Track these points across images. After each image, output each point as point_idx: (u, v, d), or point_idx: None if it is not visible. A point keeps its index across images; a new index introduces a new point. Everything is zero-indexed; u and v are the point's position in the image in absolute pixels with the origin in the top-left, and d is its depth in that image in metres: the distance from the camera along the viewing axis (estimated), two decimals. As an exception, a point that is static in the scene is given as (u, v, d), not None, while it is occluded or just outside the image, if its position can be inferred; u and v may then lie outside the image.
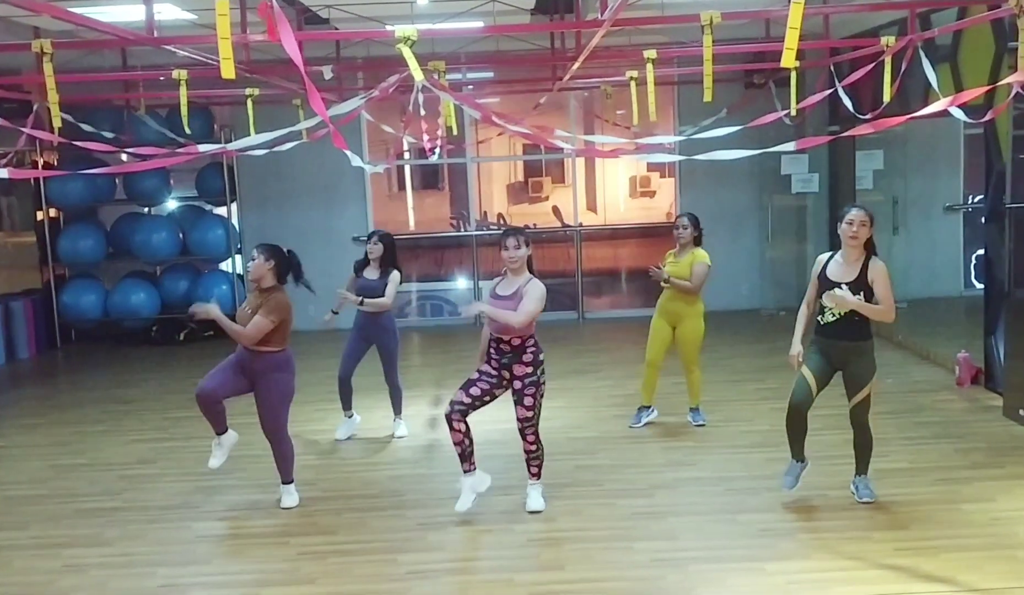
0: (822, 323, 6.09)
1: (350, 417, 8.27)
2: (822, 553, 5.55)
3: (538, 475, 6.41)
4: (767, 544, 5.71)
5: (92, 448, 8.37)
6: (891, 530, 5.82)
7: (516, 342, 6.08)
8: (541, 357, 6.17)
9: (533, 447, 6.28)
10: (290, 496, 6.67)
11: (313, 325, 12.69)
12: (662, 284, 7.96)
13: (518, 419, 6.18)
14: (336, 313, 8.21)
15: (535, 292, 6.08)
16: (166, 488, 7.15)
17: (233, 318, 6.51)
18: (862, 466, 6.30)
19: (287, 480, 6.69)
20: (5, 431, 9.28)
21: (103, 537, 6.29)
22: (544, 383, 6.20)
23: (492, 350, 6.16)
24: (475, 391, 6.13)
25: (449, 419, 6.12)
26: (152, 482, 7.32)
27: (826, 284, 6.02)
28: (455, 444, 6.21)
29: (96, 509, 6.81)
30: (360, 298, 7.87)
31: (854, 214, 5.98)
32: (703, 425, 8.13)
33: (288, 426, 6.64)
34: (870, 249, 6.02)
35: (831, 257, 6.14)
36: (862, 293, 5.93)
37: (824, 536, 5.80)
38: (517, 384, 6.13)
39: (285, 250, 6.67)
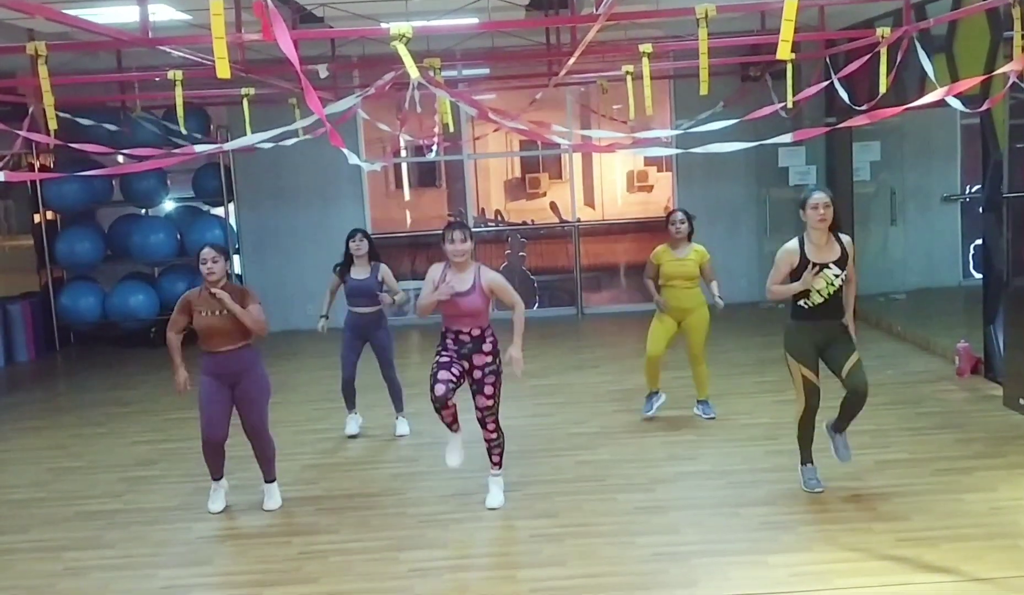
0: (808, 307, 6.10)
1: (354, 415, 8.26)
2: (824, 545, 5.55)
3: (499, 464, 6.47)
4: (769, 537, 5.72)
5: (92, 450, 8.36)
6: (892, 521, 5.82)
7: (476, 332, 6.16)
8: (498, 346, 6.24)
9: (494, 435, 6.36)
10: (274, 498, 6.66)
11: (311, 324, 12.72)
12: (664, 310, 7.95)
13: (478, 408, 6.25)
14: (327, 318, 8.17)
15: (500, 278, 6.31)
16: (166, 490, 7.15)
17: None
18: (845, 422, 6.29)
19: (271, 478, 6.69)
20: (5, 434, 9.27)
21: (104, 539, 6.29)
22: (502, 371, 6.24)
23: (450, 341, 6.21)
24: (456, 370, 6.16)
25: (444, 399, 6.11)
26: (152, 484, 7.32)
27: (811, 266, 6.02)
28: (451, 419, 6.30)
29: (96, 511, 6.81)
30: (393, 299, 7.91)
31: (818, 197, 6.01)
32: (713, 418, 8.11)
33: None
34: (836, 227, 6.09)
35: (800, 244, 6.12)
36: (844, 267, 6.05)
37: (825, 528, 5.80)
38: (477, 374, 6.18)
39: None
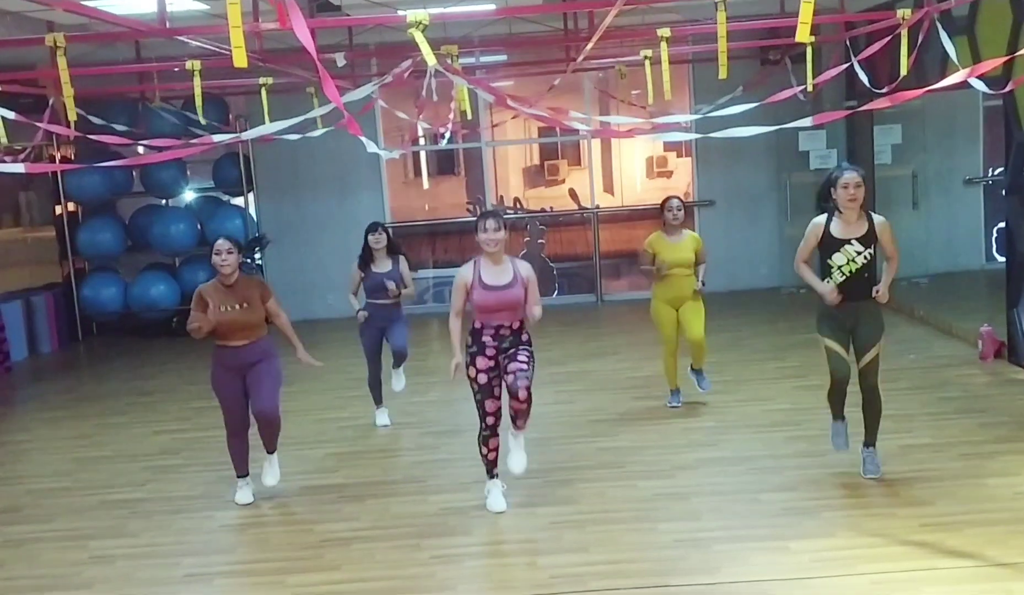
0: (831, 285, 6.04)
1: (383, 408, 8.28)
2: (846, 530, 5.53)
3: (524, 427, 6.09)
4: (790, 522, 5.69)
5: (115, 440, 8.42)
6: (915, 506, 5.79)
7: (516, 325, 6.01)
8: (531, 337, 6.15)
9: (524, 405, 5.89)
10: (275, 470, 6.67)
11: (330, 313, 12.77)
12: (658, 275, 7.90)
13: (511, 372, 5.85)
14: (364, 310, 8.11)
15: (531, 271, 6.06)
16: (189, 478, 7.19)
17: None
18: (871, 434, 6.25)
19: (273, 449, 6.65)
20: (29, 425, 9.35)
21: (128, 528, 6.33)
22: (535, 357, 6.10)
23: (489, 338, 5.97)
24: (498, 392, 6.02)
25: (494, 429, 6.05)
26: (175, 473, 7.36)
27: (833, 243, 5.97)
28: (494, 453, 6.15)
29: (120, 500, 6.85)
30: (399, 291, 7.89)
31: (849, 177, 5.92)
32: (708, 390, 8.09)
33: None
34: (866, 206, 6.02)
35: (828, 220, 6.07)
36: (872, 246, 5.96)
37: (848, 513, 5.77)
38: (512, 351, 5.96)
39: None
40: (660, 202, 8.01)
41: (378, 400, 8.27)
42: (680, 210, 7.85)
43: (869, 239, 5.96)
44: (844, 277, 5.98)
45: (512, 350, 5.98)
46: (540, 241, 15.13)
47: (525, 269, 6.05)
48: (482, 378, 5.98)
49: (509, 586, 5.19)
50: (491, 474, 6.24)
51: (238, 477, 6.66)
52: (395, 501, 6.49)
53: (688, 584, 5.02)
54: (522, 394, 5.81)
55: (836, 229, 6.00)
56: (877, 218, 6.05)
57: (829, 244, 6.00)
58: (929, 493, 5.98)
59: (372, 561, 5.57)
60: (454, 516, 6.15)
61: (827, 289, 6.01)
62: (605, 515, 5.99)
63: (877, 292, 5.96)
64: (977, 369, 8.84)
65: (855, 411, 6.26)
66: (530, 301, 5.97)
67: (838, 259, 5.97)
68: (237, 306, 6.30)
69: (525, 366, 5.92)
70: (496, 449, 6.14)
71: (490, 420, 6.04)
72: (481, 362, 5.98)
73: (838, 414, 6.34)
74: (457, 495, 6.51)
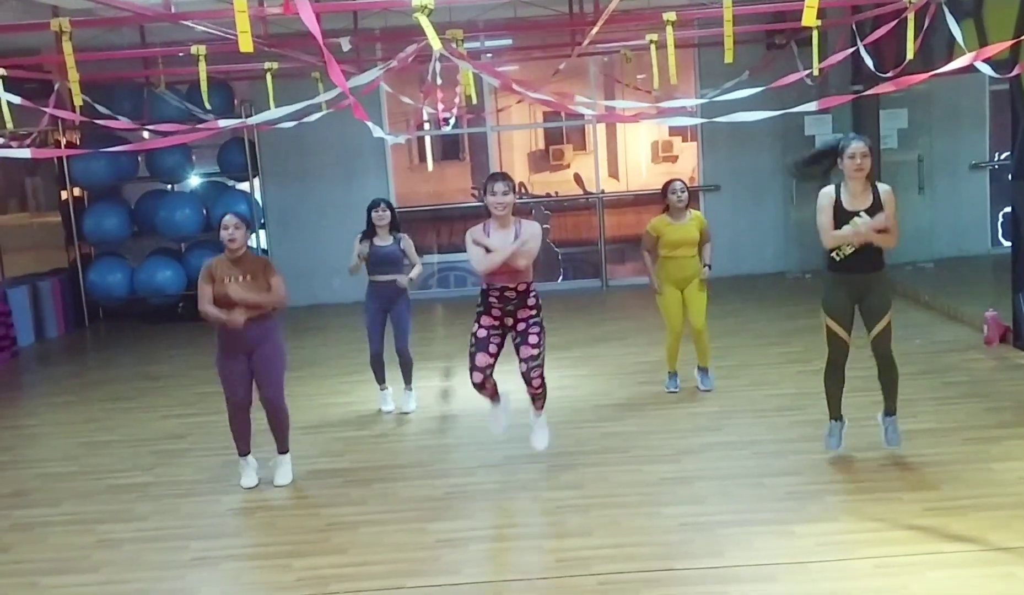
0: (838, 259, 6.03)
1: (386, 389, 8.28)
2: (850, 515, 5.54)
3: (543, 408, 6.37)
4: (795, 507, 5.71)
5: (122, 424, 8.45)
6: (920, 490, 5.80)
7: (521, 288, 6.05)
8: (540, 301, 6.18)
9: (540, 391, 6.22)
10: (285, 471, 6.66)
11: (336, 297, 12.80)
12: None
13: (523, 359, 6.07)
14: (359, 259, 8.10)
15: (535, 229, 6.05)
16: (196, 463, 7.22)
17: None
18: (891, 401, 6.25)
19: (285, 449, 6.69)
20: (36, 410, 9.40)
21: (135, 512, 6.36)
22: (545, 328, 6.19)
23: (494, 299, 6.06)
24: (493, 348, 6.13)
25: (483, 384, 6.15)
26: (182, 457, 7.39)
27: (843, 215, 5.96)
28: (491, 393, 6.30)
29: (128, 485, 6.88)
30: (411, 279, 7.91)
31: (855, 147, 5.89)
32: (711, 390, 8.08)
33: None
34: (872, 177, 6.01)
35: (836, 190, 6.04)
36: (880, 217, 5.93)
37: (852, 498, 5.78)
38: (520, 326, 6.08)
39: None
40: (662, 185, 7.98)
41: (381, 379, 8.21)
42: (684, 192, 7.82)
43: (876, 209, 5.93)
44: (852, 250, 5.98)
45: (522, 324, 6.08)
46: (545, 226, 15.12)
47: (528, 229, 6.04)
48: (481, 333, 6.12)
49: (515, 569, 5.22)
50: (495, 403, 6.45)
51: (240, 456, 6.67)
52: (401, 485, 6.51)
53: (693, 568, 5.04)
54: (536, 383, 6.13)
55: (845, 200, 5.97)
56: (882, 187, 6.03)
57: (839, 216, 5.97)
58: (933, 477, 5.99)
59: (378, 545, 5.59)
60: (460, 500, 6.17)
61: (856, 226, 5.88)
62: (610, 499, 6.01)
63: (860, 216, 5.88)
64: (982, 354, 8.84)
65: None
66: (515, 247, 5.94)
67: (844, 230, 5.95)
68: (241, 278, 6.31)
69: (537, 352, 6.06)
70: (493, 391, 6.32)
71: (477, 376, 6.12)
72: (485, 320, 6.14)
73: (835, 413, 6.36)
74: (463, 479, 6.53)
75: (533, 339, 6.08)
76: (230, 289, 6.23)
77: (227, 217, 6.38)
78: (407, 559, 5.38)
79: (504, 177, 6.08)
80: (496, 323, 6.13)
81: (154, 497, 6.60)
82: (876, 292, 6.07)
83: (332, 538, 5.72)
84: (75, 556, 5.72)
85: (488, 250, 5.98)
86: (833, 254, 6.06)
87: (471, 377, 6.15)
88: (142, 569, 5.49)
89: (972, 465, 6.14)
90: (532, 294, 6.12)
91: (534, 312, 6.13)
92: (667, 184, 7.93)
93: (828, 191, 6.08)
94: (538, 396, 6.28)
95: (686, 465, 6.52)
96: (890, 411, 6.28)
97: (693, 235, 7.82)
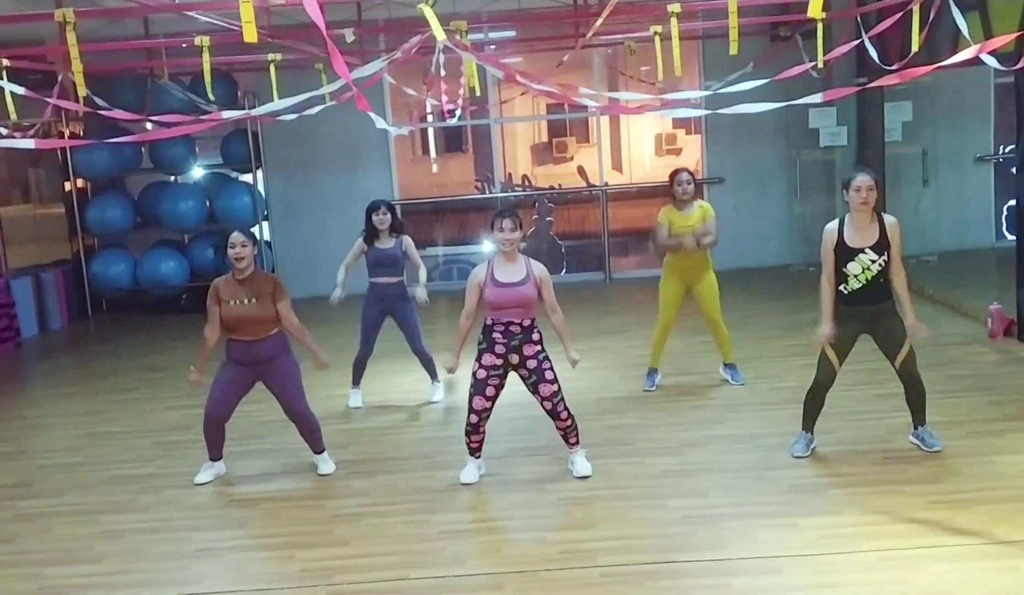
0: (847, 292, 6.03)
1: (358, 389, 8.28)
2: (853, 507, 5.54)
3: (578, 443, 6.37)
4: (798, 499, 5.71)
5: (126, 416, 8.46)
6: (923, 483, 5.79)
7: (527, 323, 6.06)
8: (543, 334, 6.19)
9: (568, 422, 6.23)
10: (327, 463, 6.67)
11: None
12: (695, 246, 7.81)
13: (545, 398, 6.10)
14: (343, 288, 8.09)
15: (548, 273, 6.16)
16: (200, 454, 7.19)
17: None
18: (920, 416, 6.31)
19: (320, 450, 6.70)
20: (40, 401, 9.41)
21: (139, 503, 6.38)
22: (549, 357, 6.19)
23: (499, 335, 6.03)
24: (491, 391, 6.11)
25: (476, 427, 6.16)
26: (186, 448, 7.39)
27: (847, 252, 5.95)
28: (477, 446, 6.29)
29: (131, 476, 6.90)
30: (424, 297, 7.95)
31: (860, 180, 5.91)
32: (744, 384, 8.07)
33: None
34: (878, 209, 6.01)
35: (840, 224, 6.05)
36: (885, 253, 5.93)
37: (855, 490, 5.78)
38: (531, 363, 6.07)
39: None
40: (669, 175, 7.95)
41: (357, 381, 8.23)
42: (690, 183, 7.80)
43: (882, 246, 5.93)
44: (860, 285, 5.97)
45: (532, 362, 6.07)
46: (548, 219, 15.12)
47: (539, 269, 6.11)
48: (481, 374, 6.08)
49: (518, 561, 5.21)
50: (473, 455, 6.36)
51: (211, 460, 6.68)
52: (404, 477, 6.52)
53: (696, 560, 5.04)
54: (563, 415, 6.17)
55: (849, 237, 5.97)
56: (888, 219, 6.00)
57: (843, 253, 5.98)
58: (937, 471, 5.99)
59: (382, 536, 5.60)
60: (463, 492, 6.17)
61: (824, 333, 6.08)
62: (614, 492, 6.01)
63: (917, 330, 6.02)
64: (986, 347, 8.83)
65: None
66: (547, 301, 6.08)
67: (853, 268, 5.96)
68: (246, 301, 6.25)
69: (556, 387, 6.12)
70: (479, 442, 6.29)
71: (474, 418, 6.14)
72: (487, 359, 6.08)
73: (809, 427, 6.41)
74: (466, 471, 6.53)
75: (549, 375, 6.10)
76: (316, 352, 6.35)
77: (234, 234, 6.33)
78: (410, 550, 5.39)
79: (512, 214, 6.14)
80: (499, 363, 6.07)
81: (157, 488, 6.61)
82: (888, 322, 6.07)
83: (336, 530, 5.73)
84: (78, 547, 5.73)
85: (496, 283, 6.01)
86: (842, 288, 6.05)
87: (469, 418, 6.16)
88: (145, 560, 5.50)
89: (976, 458, 6.14)
90: (537, 330, 6.13)
91: (539, 347, 6.12)
92: (673, 174, 7.91)
93: (831, 227, 6.08)
94: (569, 430, 6.27)
95: (689, 458, 6.53)
96: (921, 423, 6.32)
97: (699, 226, 7.80)
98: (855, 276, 5.97)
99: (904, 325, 6.07)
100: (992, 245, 13.50)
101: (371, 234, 7.94)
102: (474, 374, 6.13)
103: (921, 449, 6.27)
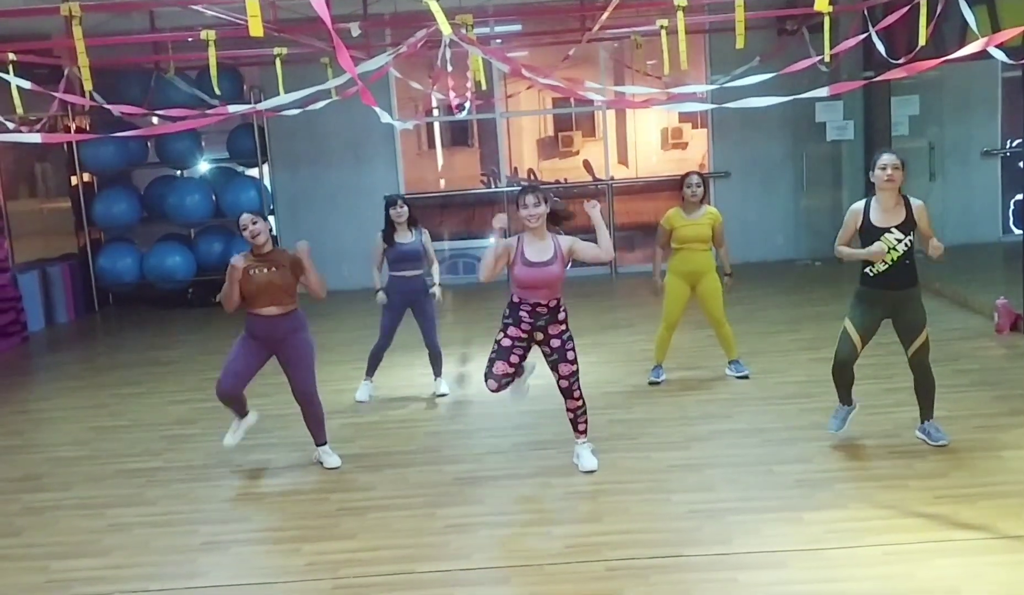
0: (873, 274, 6.02)
1: (369, 382, 8.28)
2: (859, 502, 5.53)
3: (585, 432, 6.37)
4: (804, 494, 5.70)
5: (132, 410, 8.48)
6: (929, 478, 5.79)
7: (553, 303, 6.05)
8: (568, 314, 6.19)
9: (580, 403, 6.24)
10: (331, 457, 6.68)
11: (346, 284, 12.80)
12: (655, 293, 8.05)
13: (563, 376, 6.12)
14: (383, 290, 8.08)
15: (574, 241, 6.10)
16: (206, 448, 7.24)
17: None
18: (928, 411, 6.29)
19: (323, 442, 6.71)
20: (47, 394, 9.43)
21: (145, 496, 6.39)
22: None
23: (525, 314, 6.03)
24: (514, 359, 6.11)
25: (496, 391, 6.15)
26: (192, 442, 7.41)
27: (873, 232, 5.95)
28: (502, 374, 6.17)
29: (138, 469, 6.91)
30: (439, 296, 8.01)
31: (887, 159, 5.93)
32: (747, 376, 8.08)
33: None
34: (902, 191, 5.99)
35: (867, 205, 6.06)
36: (912, 233, 5.93)
37: (861, 485, 5.77)
38: (555, 342, 6.08)
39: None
40: (680, 176, 7.99)
41: (371, 371, 8.22)
42: (699, 186, 7.82)
43: (908, 225, 5.93)
44: (886, 265, 5.96)
45: (556, 340, 6.07)
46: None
47: (565, 243, 6.08)
48: (506, 342, 6.10)
49: (524, 555, 5.22)
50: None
51: (238, 417, 6.70)
52: (411, 471, 6.53)
53: (702, 554, 5.04)
54: (577, 394, 6.20)
55: (875, 216, 5.97)
56: (915, 202, 6.02)
57: (869, 232, 5.98)
58: (943, 465, 5.98)
59: (388, 530, 5.61)
60: (469, 486, 6.18)
61: (877, 248, 5.93)
62: (619, 486, 6.01)
63: (890, 233, 5.92)
64: (992, 342, 8.82)
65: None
66: (590, 255, 6.09)
67: (878, 247, 5.94)
68: (266, 269, 6.29)
69: (576, 368, 6.14)
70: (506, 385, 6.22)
71: (493, 384, 6.11)
72: (512, 331, 6.09)
73: (845, 397, 6.36)
74: (472, 465, 6.54)
75: (571, 355, 6.12)
76: (301, 249, 6.27)
77: (243, 217, 6.36)
78: (417, 544, 5.39)
79: (534, 189, 6.12)
80: (524, 336, 6.09)
81: (164, 482, 6.62)
82: (910, 308, 6.06)
83: (342, 523, 5.74)
84: (85, 540, 5.74)
85: (525, 263, 5.97)
86: (867, 269, 6.04)
87: (487, 383, 6.13)
88: (152, 553, 5.52)
89: (982, 453, 6.13)
90: (563, 309, 6.12)
91: (564, 326, 6.12)
92: (684, 176, 7.94)
93: (857, 207, 6.10)
94: (579, 413, 6.27)
95: (695, 452, 6.52)
96: (928, 417, 6.31)
97: (705, 233, 7.82)
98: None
99: (923, 315, 6.07)
100: (999, 239, 13.47)
101: (389, 229, 7.94)
102: (498, 342, 6.11)
103: (927, 443, 6.26)
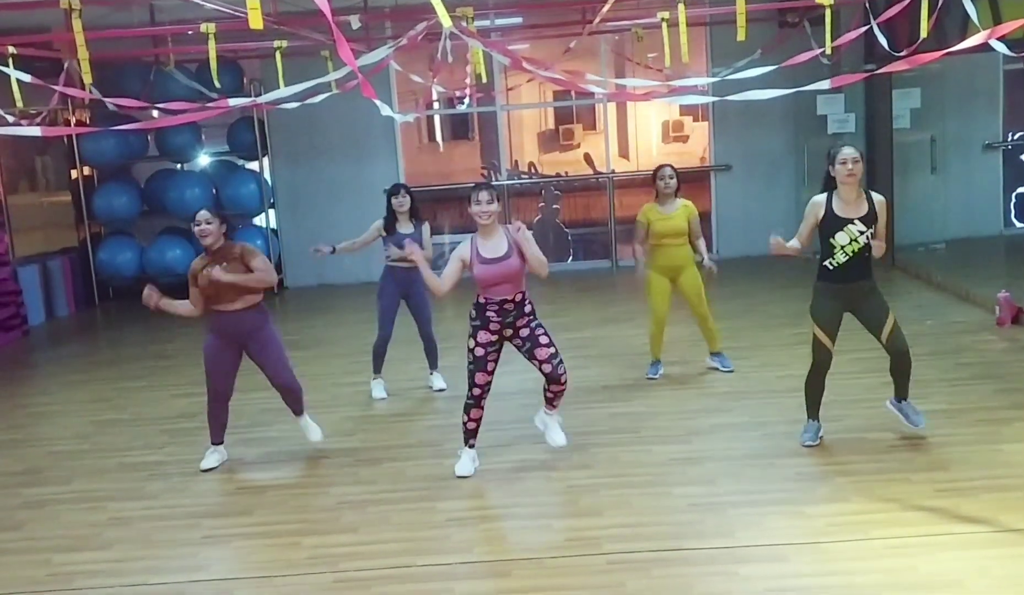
0: (832, 267, 6.04)
1: (379, 379, 8.24)
2: (861, 495, 5.53)
3: (558, 407, 6.30)
4: (805, 487, 5.70)
5: (133, 403, 8.48)
6: (930, 471, 5.78)
7: (518, 297, 5.99)
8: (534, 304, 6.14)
9: (563, 385, 6.11)
10: (312, 429, 6.76)
11: (346, 278, 12.80)
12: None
13: (543, 361, 5.99)
14: (334, 251, 8.15)
15: (525, 232, 5.93)
16: (206, 441, 7.20)
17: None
18: (903, 389, 6.26)
19: (299, 411, 6.75)
20: (48, 388, 9.43)
21: (146, 490, 6.39)
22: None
23: (493, 313, 5.96)
24: (491, 366, 6.06)
25: (479, 400, 6.08)
26: (193, 436, 7.40)
27: (836, 222, 5.96)
28: (475, 423, 6.18)
29: (139, 463, 6.91)
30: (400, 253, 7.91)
31: (847, 152, 5.93)
32: (732, 371, 8.08)
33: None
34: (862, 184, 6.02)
35: (828, 198, 6.04)
36: (873, 226, 5.94)
37: (862, 478, 5.77)
38: (524, 332, 6.01)
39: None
40: (652, 171, 7.97)
41: (378, 368, 8.19)
42: (672, 178, 7.81)
43: (870, 219, 5.95)
44: (847, 257, 5.96)
45: (525, 330, 6.02)
46: (555, 206, 15.09)
47: (514, 230, 5.96)
48: (479, 351, 6.02)
49: (524, 548, 5.22)
50: (468, 443, 6.27)
51: (212, 444, 6.73)
52: (411, 465, 6.53)
53: (703, 547, 5.04)
54: (563, 377, 6.06)
55: (838, 208, 5.99)
56: (876, 197, 6.04)
57: (832, 223, 5.98)
58: (944, 458, 5.97)
59: (388, 523, 5.60)
60: (469, 479, 6.17)
61: (779, 240, 6.16)
62: (620, 479, 6.01)
63: (853, 224, 5.95)
64: (994, 335, 8.81)
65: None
66: (531, 261, 5.88)
67: (841, 238, 5.96)
68: (218, 267, 6.32)
69: (553, 349, 6.03)
70: (478, 420, 6.19)
71: (477, 391, 6.08)
72: (483, 336, 6.01)
73: (814, 414, 6.39)
74: (472, 459, 6.53)
75: (544, 339, 6.03)
76: (213, 274, 6.24)
77: (199, 213, 6.42)
78: (417, 537, 5.39)
79: (489, 186, 6.07)
80: (494, 338, 6.02)
81: (165, 476, 6.63)
82: (870, 298, 6.10)
83: (342, 517, 5.74)
84: (87, 534, 5.75)
85: (483, 261, 5.91)
86: (827, 263, 6.07)
87: (471, 392, 6.09)
88: (153, 547, 5.52)
89: (983, 446, 6.13)
90: (528, 302, 6.07)
91: (531, 316, 6.07)
92: (657, 169, 7.93)
93: (818, 200, 6.10)
94: (559, 393, 6.17)
95: (696, 445, 6.52)
96: (904, 396, 6.28)
97: (681, 226, 7.80)
98: (842, 247, 5.96)
99: (884, 301, 6.08)
100: (1000, 232, 13.47)
101: (391, 219, 7.91)
102: (471, 351, 6.05)
103: (903, 423, 6.26)
